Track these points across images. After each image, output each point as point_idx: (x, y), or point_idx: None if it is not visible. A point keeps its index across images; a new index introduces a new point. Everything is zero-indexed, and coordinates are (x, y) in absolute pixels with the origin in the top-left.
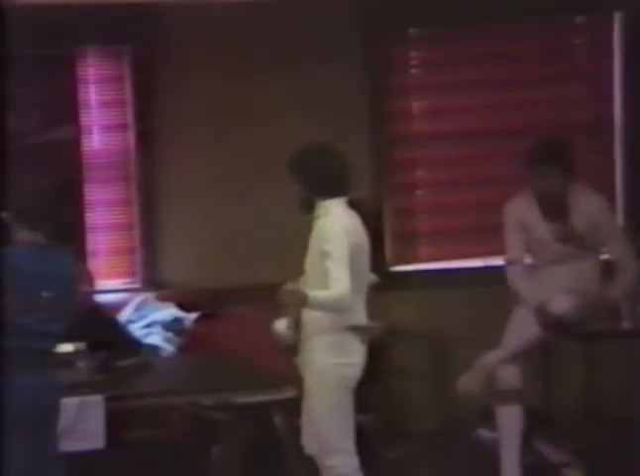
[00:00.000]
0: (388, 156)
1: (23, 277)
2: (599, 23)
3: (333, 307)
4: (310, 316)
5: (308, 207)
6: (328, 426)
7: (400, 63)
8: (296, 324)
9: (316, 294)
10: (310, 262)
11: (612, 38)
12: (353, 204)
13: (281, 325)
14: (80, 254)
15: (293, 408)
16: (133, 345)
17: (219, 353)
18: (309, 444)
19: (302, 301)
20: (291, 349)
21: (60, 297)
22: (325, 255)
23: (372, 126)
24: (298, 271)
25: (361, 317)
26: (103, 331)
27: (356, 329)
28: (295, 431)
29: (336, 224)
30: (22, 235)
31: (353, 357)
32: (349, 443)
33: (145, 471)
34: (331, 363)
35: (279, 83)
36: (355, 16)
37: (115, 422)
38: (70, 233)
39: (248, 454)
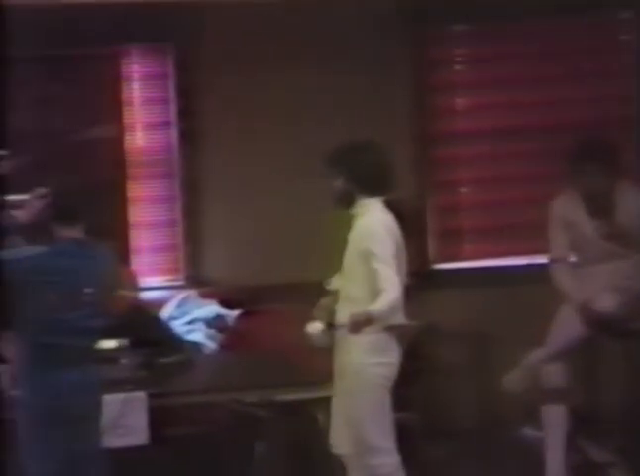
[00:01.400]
0: (432, 153)
1: (64, 274)
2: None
3: (393, 312)
4: (346, 318)
5: (346, 203)
6: (368, 426)
7: (443, 60)
8: (329, 327)
9: (375, 307)
10: (349, 260)
11: None
12: (389, 205)
13: (314, 328)
14: (123, 251)
15: None
16: (175, 342)
17: (261, 350)
18: (339, 444)
19: (369, 321)
20: (325, 352)
21: (102, 292)
22: (369, 255)
23: (415, 124)
24: (337, 268)
25: (399, 317)
26: (146, 329)
27: (393, 329)
28: None
29: (379, 224)
30: (62, 232)
31: (390, 356)
32: (389, 442)
33: (187, 468)
34: (369, 362)
35: (322, 82)
36: (398, 13)
37: (158, 419)
38: (113, 230)
39: (290, 451)
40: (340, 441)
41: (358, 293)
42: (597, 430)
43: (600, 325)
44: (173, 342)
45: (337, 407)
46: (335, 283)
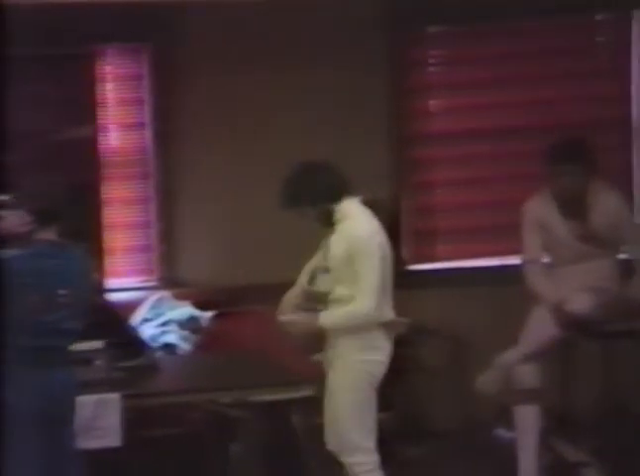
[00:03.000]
0: (407, 154)
1: (40, 276)
2: (618, 21)
3: (352, 323)
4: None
5: (328, 220)
6: (351, 424)
7: (419, 62)
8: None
9: (327, 318)
10: (336, 263)
11: (630, 36)
12: (368, 204)
13: (288, 317)
14: (98, 252)
15: (311, 406)
16: (138, 346)
17: (235, 351)
18: (331, 440)
19: (311, 328)
20: (306, 348)
21: (77, 294)
22: (355, 259)
23: (390, 125)
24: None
25: (388, 313)
26: (111, 331)
27: (384, 325)
28: (313, 430)
29: (364, 229)
30: (37, 234)
31: (380, 354)
32: (370, 441)
33: (162, 469)
34: (357, 359)
35: (297, 82)
36: (372, 15)
37: (133, 420)
38: (87, 231)
39: (266, 452)
40: (331, 438)
41: (347, 293)
42: (571, 431)
43: (574, 326)
44: (137, 345)
45: (327, 404)
46: (322, 285)
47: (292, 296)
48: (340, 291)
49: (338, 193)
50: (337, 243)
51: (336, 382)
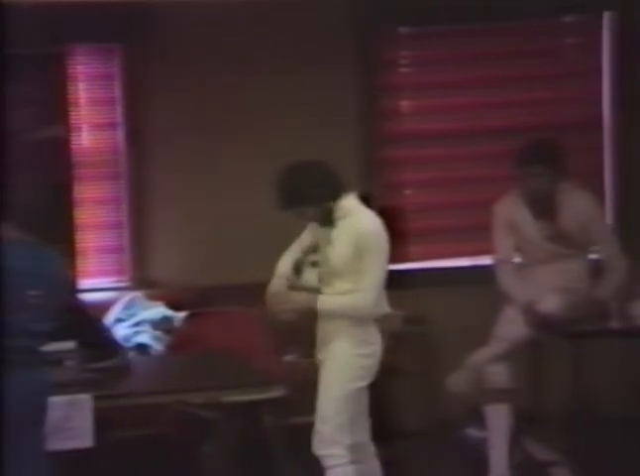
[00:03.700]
0: (378, 155)
1: (10, 276)
2: (588, 23)
3: (350, 313)
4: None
5: (328, 215)
6: (333, 415)
7: (390, 63)
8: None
9: (328, 301)
10: (342, 257)
11: (601, 37)
12: (362, 199)
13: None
14: (69, 252)
15: (283, 406)
16: (110, 347)
17: (208, 352)
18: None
19: (306, 307)
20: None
21: (49, 295)
22: (364, 255)
23: (361, 125)
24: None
25: (385, 308)
26: (84, 331)
27: (380, 320)
28: (284, 430)
29: (372, 224)
30: (9, 233)
31: (374, 348)
32: (345, 437)
33: (134, 470)
34: (354, 354)
35: (269, 83)
36: (344, 15)
37: (104, 421)
38: (59, 232)
39: (237, 452)
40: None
41: (349, 287)
42: (541, 430)
43: (544, 326)
44: (108, 346)
45: (319, 397)
46: (311, 279)
47: (278, 288)
48: (341, 286)
49: (338, 190)
50: (342, 239)
51: (329, 377)
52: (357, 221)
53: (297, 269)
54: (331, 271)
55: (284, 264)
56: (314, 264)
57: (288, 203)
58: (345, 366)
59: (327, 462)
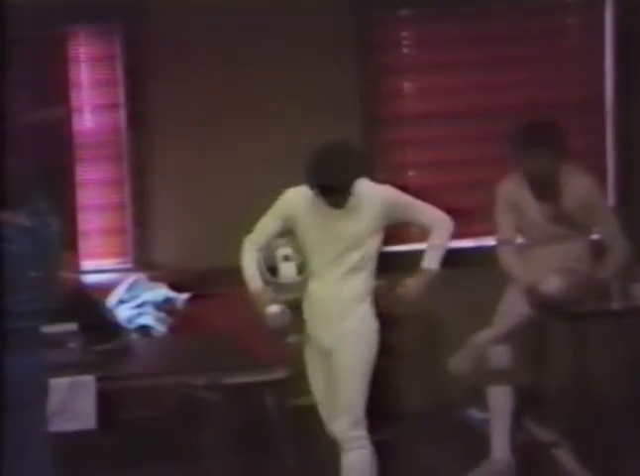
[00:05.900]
0: (380, 136)
1: (10, 257)
2: (590, 2)
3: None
4: (349, 287)
5: (346, 198)
6: (357, 401)
7: (391, 44)
8: (290, 307)
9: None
10: (363, 230)
11: (603, 18)
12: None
13: (273, 309)
14: (72, 234)
15: (285, 388)
16: (112, 329)
17: (210, 333)
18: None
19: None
20: (282, 332)
21: (48, 275)
22: (403, 209)
23: (362, 106)
24: None
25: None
26: (86, 313)
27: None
28: (287, 412)
29: (391, 190)
30: (6, 216)
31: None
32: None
33: (136, 451)
34: (373, 329)
35: (274, 66)
36: None
37: (106, 403)
38: (59, 213)
39: (239, 435)
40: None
41: (360, 256)
42: (543, 411)
43: (546, 307)
44: (111, 328)
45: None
46: (289, 275)
47: (259, 289)
48: (352, 257)
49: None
50: (366, 211)
51: (347, 362)
52: (378, 193)
53: (271, 264)
54: (348, 245)
55: (249, 265)
56: (287, 258)
57: (325, 181)
58: (365, 346)
59: (351, 444)
